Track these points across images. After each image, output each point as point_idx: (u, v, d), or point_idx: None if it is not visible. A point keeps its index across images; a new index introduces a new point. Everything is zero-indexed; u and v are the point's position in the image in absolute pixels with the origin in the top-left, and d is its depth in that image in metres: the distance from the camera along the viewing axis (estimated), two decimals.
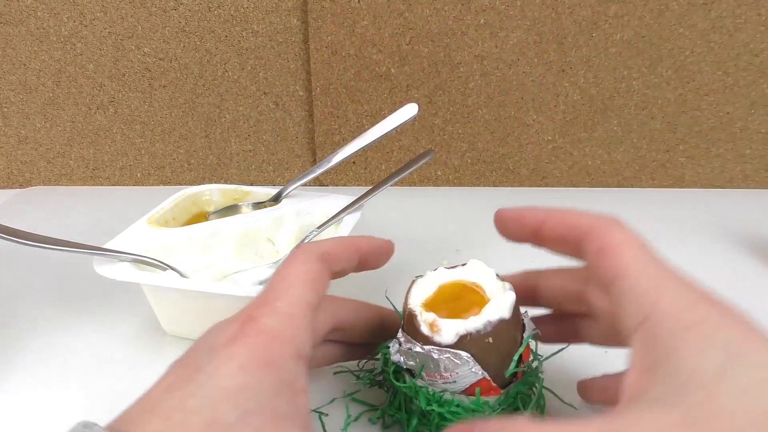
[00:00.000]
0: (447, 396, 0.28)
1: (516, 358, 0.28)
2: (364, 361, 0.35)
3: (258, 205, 0.48)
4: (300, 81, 0.64)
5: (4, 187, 0.70)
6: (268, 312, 0.25)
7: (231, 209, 0.48)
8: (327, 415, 0.33)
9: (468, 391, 0.28)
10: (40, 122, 0.66)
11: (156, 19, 0.61)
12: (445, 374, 0.27)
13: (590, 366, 0.34)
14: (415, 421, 0.29)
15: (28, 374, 0.37)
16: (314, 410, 0.33)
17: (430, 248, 0.53)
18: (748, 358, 0.19)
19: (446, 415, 0.27)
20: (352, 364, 0.35)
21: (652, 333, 0.21)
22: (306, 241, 0.43)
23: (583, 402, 0.32)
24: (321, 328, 0.30)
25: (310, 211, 0.47)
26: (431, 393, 0.28)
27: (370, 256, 0.31)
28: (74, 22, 0.61)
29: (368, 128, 0.46)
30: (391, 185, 0.45)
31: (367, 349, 0.34)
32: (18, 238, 0.35)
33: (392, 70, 0.62)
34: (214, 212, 0.48)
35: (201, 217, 0.48)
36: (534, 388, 0.30)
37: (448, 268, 0.31)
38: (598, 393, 0.31)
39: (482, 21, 0.59)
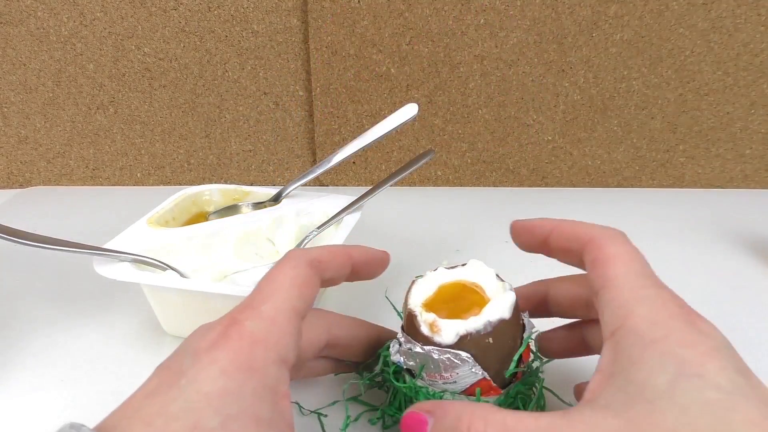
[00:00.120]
0: (447, 396, 0.28)
1: (516, 358, 0.28)
2: (363, 363, 0.34)
3: (258, 205, 0.48)
4: (300, 81, 0.64)
5: (4, 187, 0.70)
6: (253, 315, 0.25)
7: (231, 209, 0.48)
8: (326, 416, 0.33)
9: (468, 392, 0.28)
10: (40, 122, 0.66)
11: (156, 19, 0.61)
12: (445, 374, 0.27)
13: (590, 367, 0.34)
14: None
15: (28, 374, 0.37)
16: (313, 411, 0.33)
17: (430, 248, 0.53)
18: (700, 378, 0.20)
19: None
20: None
21: (620, 344, 0.22)
22: (306, 241, 0.43)
23: None
24: (314, 343, 0.30)
25: (310, 211, 0.47)
26: (431, 393, 0.28)
27: (364, 265, 0.31)
28: (74, 22, 0.61)
29: (368, 128, 0.46)
30: (391, 185, 0.45)
31: (358, 366, 0.34)
32: (18, 238, 0.35)
33: (392, 70, 0.62)
34: (214, 212, 0.48)
35: (201, 217, 0.48)
36: (534, 388, 0.30)
37: (448, 269, 0.31)
38: None
39: (482, 21, 0.59)
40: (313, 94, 0.64)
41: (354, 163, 0.68)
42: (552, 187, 0.68)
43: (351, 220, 0.43)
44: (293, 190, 0.48)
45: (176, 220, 0.47)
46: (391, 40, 0.61)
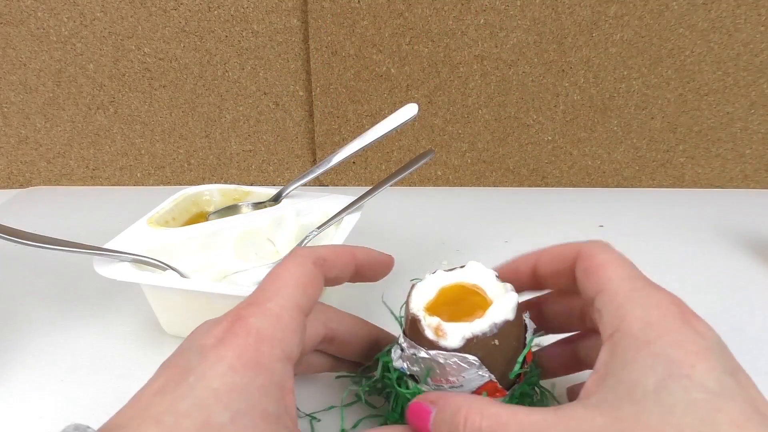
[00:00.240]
0: None
1: (521, 359, 0.28)
2: (362, 368, 0.34)
3: (258, 205, 0.48)
4: (300, 81, 0.64)
5: (4, 187, 0.70)
6: (258, 312, 0.25)
7: (231, 209, 0.48)
8: (320, 420, 0.32)
9: (475, 394, 0.28)
10: (40, 122, 0.66)
11: (156, 19, 0.61)
12: (451, 378, 0.27)
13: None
14: None
15: (28, 374, 0.37)
16: (308, 414, 0.33)
17: (429, 248, 0.53)
18: (688, 379, 0.20)
19: None
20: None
21: (616, 345, 0.23)
22: (306, 241, 0.43)
23: None
24: (312, 335, 0.30)
25: (310, 211, 0.47)
26: None
27: (368, 267, 0.31)
28: (74, 22, 0.61)
29: (368, 128, 0.46)
30: (391, 185, 0.45)
31: (355, 365, 0.34)
32: (18, 238, 0.35)
33: (392, 70, 0.62)
34: (214, 212, 0.48)
35: (201, 217, 0.48)
36: (536, 388, 0.30)
37: (447, 271, 0.31)
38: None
39: (482, 21, 0.59)
40: (313, 94, 0.64)
41: (354, 163, 0.68)
42: (552, 187, 0.68)
43: (351, 220, 0.43)
44: (293, 190, 0.48)
45: (176, 220, 0.47)
46: (391, 40, 0.61)
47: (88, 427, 0.21)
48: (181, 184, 0.69)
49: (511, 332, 0.28)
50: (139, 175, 0.69)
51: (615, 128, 0.64)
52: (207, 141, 0.67)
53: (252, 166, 0.68)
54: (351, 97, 0.64)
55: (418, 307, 0.29)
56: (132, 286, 0.37)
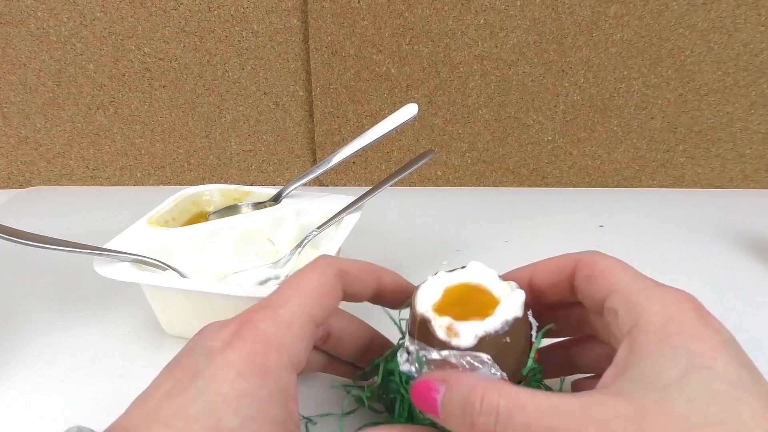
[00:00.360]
0: None
1: (532, 354, 0.28)
2: (359, 374, 0.34)
3: (258, 205, 0.48)
4: (300, 81, 0.64)
5: (4, 187, 0.70)
6: (269, 317, 0.25)
7: (231, 209, 0.48)
8: (315, 423, 0.32)
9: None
10: (40, 122, 0.66)
11: (156, 19, 0.61)
12: None
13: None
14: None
15: (28, 374, 0.37)
16: (305, 417, 0.33)
17: (430, 248, 0.53)
18: (709, 370, 0.21)
19: None
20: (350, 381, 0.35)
21: (636, 339, 0.23)
22: (306, 241, 0.43)
23: None
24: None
25: (310, 211, 0.47)
26: None
27: (391, 291, 0.31)
28: (74, 22, 0.61)
29: (368, 128, 0.46)
30: (391, 185, 0.45)
31: (348, 368, 0.33)
32: (18, 238, 0.35)
33: (392, 70, 0.62)
34: (214, 212, 0.48)
35: (201, 217, 0.48)
36: (540, 385, 0.30)
37: (448, 272, 0.31)
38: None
39: (482, 21, 0.59)
40: (313, 94, 0.64)
41: (354, 163, 0.68)
42: (552, 187, 0.68)
43: (351, 220, 0.43)
44: (293, 190, 0.48)
45: (176, 220, 0.47)
46: (391, 40, 0.61)
47: (92, 431, 0.21)
48: (181, 184, 0.69)
49: (521, 329, 0.27)
50: (139, 175, 0.69)
51: (615, 128, 0.64)
52: (207, 141, 0.67)
53: (252, 166, 0.68)
54: (351, 97, 0.64)
55: (425, 308, 0.28)
56: (132, 286, 0.37)
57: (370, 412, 0.33)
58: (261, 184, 0.66)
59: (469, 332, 0.26)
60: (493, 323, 0.27)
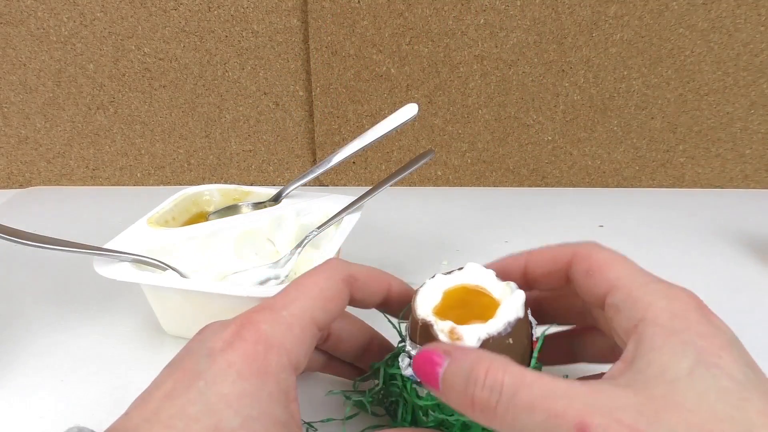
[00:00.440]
0: None
1: (536, 354, 0.28)
2: (359, 378, 0.34)
3: (258, 205, 0.48)
4: (300, 81, 0.64)
5: (4, 187, 0.70)
6: (271, 319, 0.25)
7: (231, 209, 0.48)
8: (316, 430, 0.32)
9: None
10: (40, 122, 0.66)
11: (156, 19, 0.61)
12: None
13: (587, 365, 0.34)
14: None
15: (28, 374, 0.37)
16: (306, 423, 0.32)
17: (430, 248, 0.53)
18: (717, 368, 0.21)
19: (470, 423, 0.27)
20: (349, 382, 0.34)
21: (643, 334, 0.23)
22: (306, 241, 0.43)
23: None
24: None
25: (310, 211, 0.47)
26: None
27: (397, 299, 0.30)
28: (74, 22, 0.61)
29: (368, 128, 0.46)
30: (391, 185, 0.45)
31: (347, 368, 0.33)
32: (18, 238, 0.35)
33: (392, 70, 0.62)
34: (214, 212, 0.48)
35: (201, 217, 0.48)
36: None
37: (446, 274, 0.30)
38: None
39: (482, 21, 0.59)
40: (313, 94, 0.64)
41: (354, 163, 0.68)
42: (552, 187, 0.68)
43: (351, 220, 0.43)
44: (293, 190, 0.48)
45: (176, 220, 0.47)
46: (391, 40, 0.61)
47: (91, 431, 0.21)
48: (181, 184, 0.69)
49: (523, 330, 0.27)
50: (139, 175, 0.69)
51: (615, 128, 0.64)
52: (207, 141, 0.67)
53: (252, 166, 0.68)
54: (351, 97, 0.64)
55: (426, 312, 0.28)
56: (132, 286, 0.37)
57: (371, 417, 0.33)
58: (261, 184, 0.66)
59: (471, 335, 0.26)
60: (495, 325, 0.26)
